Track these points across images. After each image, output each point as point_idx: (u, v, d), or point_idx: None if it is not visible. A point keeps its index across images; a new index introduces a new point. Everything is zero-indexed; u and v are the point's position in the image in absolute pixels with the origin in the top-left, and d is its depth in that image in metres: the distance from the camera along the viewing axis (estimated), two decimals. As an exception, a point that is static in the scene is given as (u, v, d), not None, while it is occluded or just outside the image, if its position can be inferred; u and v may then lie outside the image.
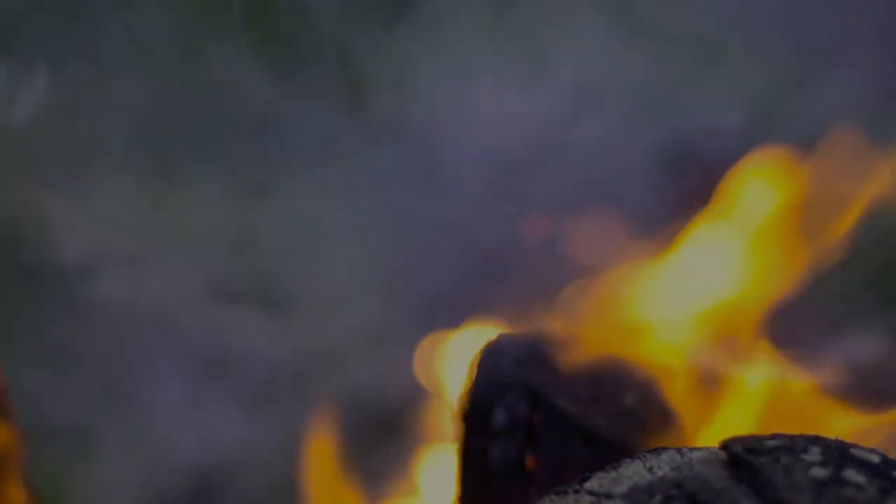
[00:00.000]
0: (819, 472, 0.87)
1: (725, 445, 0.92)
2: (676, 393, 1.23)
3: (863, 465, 0.89)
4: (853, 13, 1.91)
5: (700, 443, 1.18)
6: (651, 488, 0.90)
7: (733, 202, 1.36)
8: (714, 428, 1.22)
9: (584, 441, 1.16)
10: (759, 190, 1.35)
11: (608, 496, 0.90)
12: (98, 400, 1.74)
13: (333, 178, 1.92)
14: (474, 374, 1.25)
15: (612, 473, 0.93)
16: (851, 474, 0.87)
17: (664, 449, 0.95)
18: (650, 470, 0.92)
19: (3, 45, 1.97)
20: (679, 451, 0.94)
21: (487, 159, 1.91)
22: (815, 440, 0.91)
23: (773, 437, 0.92)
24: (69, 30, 2.00)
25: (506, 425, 1.21)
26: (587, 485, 0.93)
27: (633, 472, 0.92)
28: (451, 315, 1.47)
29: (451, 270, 1.81)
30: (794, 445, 0.90)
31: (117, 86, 1.96)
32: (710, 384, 1.26)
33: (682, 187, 1.76)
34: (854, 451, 0.91)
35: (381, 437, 1.67)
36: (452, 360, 1.39)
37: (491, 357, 1.25)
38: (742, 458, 0.89)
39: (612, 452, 1.15)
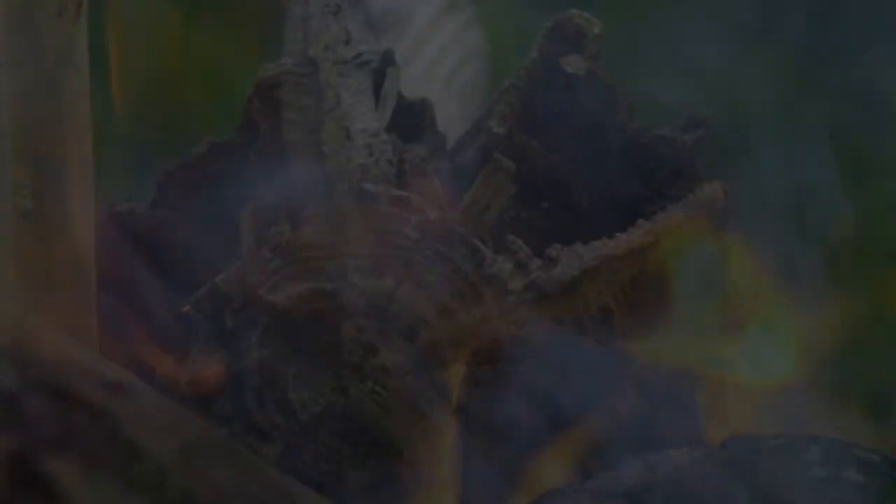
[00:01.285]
0: (819, 472, 0.87)
1: (726, 444, 0.92)
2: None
3: (863, 464, 0.89)
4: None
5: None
6: (651, 488, 0.89)
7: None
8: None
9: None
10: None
11: (609, 496, 0.90)
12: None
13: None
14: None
15: (612, 473, 0.93)
16: (851, 474, 0.87)
17: (664, 448, 0.95)
18: (650, 469, 0.92)
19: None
20: (679, 450, 0.94)
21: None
22: (816, 440, 0.91)
23: (774, 436, 0.92)
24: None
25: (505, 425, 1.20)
26: (587, 485, 0.93)
27: (633, 472, 0.92)
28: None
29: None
30: (794, 445, 0.90)
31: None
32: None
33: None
34: (854, 451, 0.91)
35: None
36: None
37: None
38: (742, 457, 0.90)
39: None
